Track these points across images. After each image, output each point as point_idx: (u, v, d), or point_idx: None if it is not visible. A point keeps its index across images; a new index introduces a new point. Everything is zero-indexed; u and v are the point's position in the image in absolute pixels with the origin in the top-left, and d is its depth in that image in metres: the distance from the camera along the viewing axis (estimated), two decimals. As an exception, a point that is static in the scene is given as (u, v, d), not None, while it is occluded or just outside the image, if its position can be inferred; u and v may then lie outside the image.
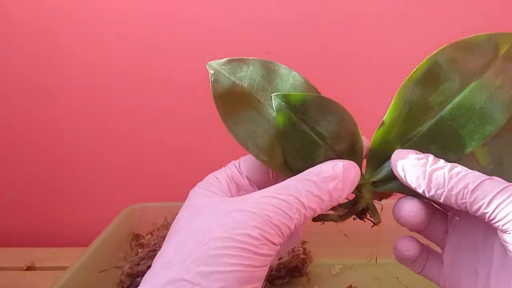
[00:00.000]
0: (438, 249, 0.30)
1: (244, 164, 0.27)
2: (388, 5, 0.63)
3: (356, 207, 0.28)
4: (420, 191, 0.24)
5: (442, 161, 0.24)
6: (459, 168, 0.23)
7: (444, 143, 0.25)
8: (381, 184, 0.27)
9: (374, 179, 0.27)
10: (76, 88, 0.68)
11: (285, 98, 0.25)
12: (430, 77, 0.26)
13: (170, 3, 0.64)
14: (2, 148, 0.72)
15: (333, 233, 0.56)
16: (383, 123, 0.27)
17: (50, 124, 0.71)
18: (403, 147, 0.26)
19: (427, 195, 0.24)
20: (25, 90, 0.69)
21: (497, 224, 0.22)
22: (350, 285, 0.50)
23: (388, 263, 0.53)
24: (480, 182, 0.22)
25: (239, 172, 0.27)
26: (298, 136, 0.25)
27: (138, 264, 0.48)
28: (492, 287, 0.24)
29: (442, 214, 0.28)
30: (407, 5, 0.63)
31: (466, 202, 0.23)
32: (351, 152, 0.27)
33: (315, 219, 0.29)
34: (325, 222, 0.29)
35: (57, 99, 0.69)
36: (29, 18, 0.66)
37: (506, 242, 0.22)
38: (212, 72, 0.27)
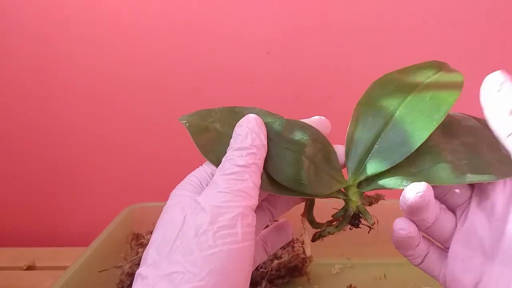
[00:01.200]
0: (439, 245, 0.29)
1: None
2: (388, 6, 0.63)
3: (347, 213, 0.29)
4: (500, 112, 0.24)
5: None
6: None
7: (408, 132, 0.28)
8: (366, 184, 0.29)
9: (358, 180, 0.29)
10: (76, 89, 0.69)
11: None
12: (373, 101, 0.30)
13: (169, 4, 0.64)
14: (2, 149, 0.72)
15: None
16: (349, 135, 0.29)
17: (50, 125, 0.71)
18: (373, 146, 0.29)
19: (501, 120, 0.23)
20: (24, 92, 0.69)
21: None
22: (350, 285, 0.50)
23: (388, 263, 0.53)
24: None
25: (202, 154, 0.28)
26: (277, 158, 0.28)
27: (138, 264, 0.48)
28: (496, 284, 0.24)
29: (450, 213, 0.28)
30: (407, 6, 0.63)
31: None
32: (326, 160, 0.29)
33: (313, 240, 0.31)
34: (323, 239, 0.31)
35: (57, 100, 0.69)
36: (29, 22, 0.66)
37: None
38: (185, 121, 0.29)
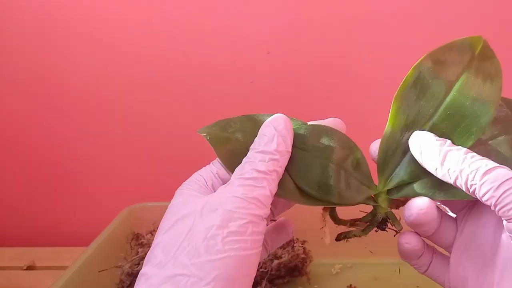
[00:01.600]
0: (443, 251, 0.29)
1: None
2: (388, 6, 0.63)
3: (375, 218, 0.29)
4: (433, 169, 0.25)
5: (459, 146, 0.25)
6: (473, 153, 0.24)
7: (458, 132, 0.27)
8: (396, 191, 0.28)
9: (388, 187, 0.28)
10: (76, 88, 0.69)
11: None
12: (419, 84, 0.27)
13: (169, 4, 0.64)
14: (3, 149, 0.72)
15: (333, 233, 0.57)
16: (386, 132, 0.28)
17: (50, 125, 0.71)
18: (406, 153, 0.27)
19: (439, 174, 0.24)
20: (24, 92, 0.69)
21: (503, 210, 0.22)
22: (350, 285, 0.50)
23: (388, 263, 0.53)
24: (492, 167, 0.23)
25: (224, 167, 0.28)
26: (304, 167, 0.27)
27: (138, 264, 0.48)
28: (498, 283, 0.24)
29: (451, 220, 0.28)
30: (407, 6, 0.63)
31: (476, 184, 0.23)
32: (356, 165, 0.28)
33: (338, 239, 0.30)
34: (348, 239, 0.30)
35: (57, 100, 0.69)
36: (29, 23, 0.66)
37: (511, 232, 0.23)
38: (205, 134, 0.28)
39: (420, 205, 0.25)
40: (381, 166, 0.28)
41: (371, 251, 0.43)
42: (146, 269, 0.23)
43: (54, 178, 0.73)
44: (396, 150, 0.28)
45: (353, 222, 0.30)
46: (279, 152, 0.25)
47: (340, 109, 0.65)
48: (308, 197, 0.27)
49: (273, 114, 0.28)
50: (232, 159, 0.27)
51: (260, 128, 0.27)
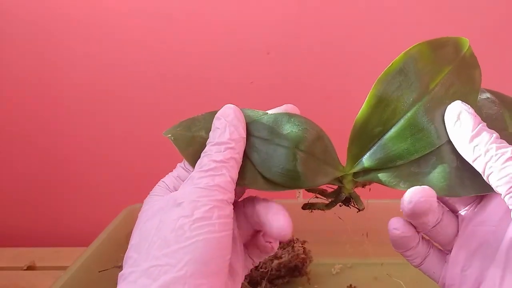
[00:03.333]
0: (440, 248, 0.29)
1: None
2: (388, 6, 0.63)
3: (339, 196, 0.29)
4: (461, 140, 0.25)
5: (493, 131, 0.25)
6: (503, 140, 0.25)
7: (419, 137, 0.27)
8: (362, 175, 0.28)
9: (355, 170, 0.28)
10: (76, 88, 0.69)
11: (247, 130, 0.27)
12: (403, 73, 0.27)
13: (170, 3, 0.64)
14: (2, 149, 0.72)
15: (333, 233, 0.57)
16: (359, 117, 0.28)
17: (50, 125, 0.71)
18: (380, 140, 0.28)
19: (462, 148, 0.25)
20: (25, 91, 0.69)
21: None
22: (350, 285, 0.50)
23: (388, 263, 0.53)
24: None
25: (185, 169, 0.29)
26: (269, 157, 0.27)
27: (138, 264, 0.48)
28: (499, 283, 0.24)
29: (452, 217, 0.28)
30: (407, 6, 0.63)
31: (495, 168, 0.23)
32: (323, 148, 0.28)
33: (304, 207, 0.30)
34: (313, 211, 0.31)
35: (57, 99, 0.69)
36: (29, 19, 0.66)
37: None
38: (170, 135, 0.29)
39: (420, 193, 0.25)
40: (350, 149, 0.28)
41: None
42: (124, 270, 0.24)
43: (54, 178, 0.73)
44: (368, 135, 0.28)
45: (321, 192, 0.30)
46: (233, 140, 0.26)
47: (340, 109, 0.65)
48: (273, 184, 0.27)
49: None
50: (197, 158, 0.27)
51: (212, 123, 0.27)
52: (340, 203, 0.30)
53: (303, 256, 0.51)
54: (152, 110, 0.69)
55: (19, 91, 0.69)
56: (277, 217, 0.26)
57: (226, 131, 0.26)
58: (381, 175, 0.27)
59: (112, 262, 0.48)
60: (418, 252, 0.28)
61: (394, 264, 0.53)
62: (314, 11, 0.64)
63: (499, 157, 0.23)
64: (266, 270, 0.48)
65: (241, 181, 0.26)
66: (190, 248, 0.22)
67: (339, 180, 0.29)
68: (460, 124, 0.25)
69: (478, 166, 0.24)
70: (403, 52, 0.28)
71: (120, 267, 0.49)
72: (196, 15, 0.65)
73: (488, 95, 0.29)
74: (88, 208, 0.74)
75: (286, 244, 0.52)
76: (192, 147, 0.28)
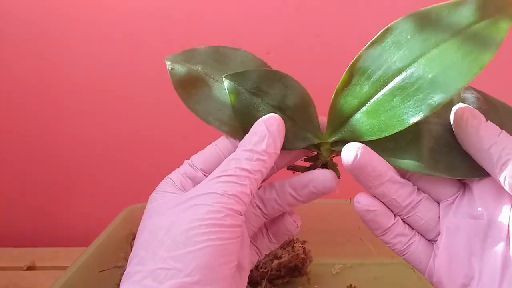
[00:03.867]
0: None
1: (196, 158, 0.29)
2: (389, 7, 0.63)
3: (316, 163, 0.30)
4: (487, 144, 0.24)
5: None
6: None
7: (409, 104, 0.25)
8: (339, 144, 0.28)
9: (332, 139, 0.29)
10: (76, 88, 0.69)
11: (234, 77, 0.27)
12: (389, 42, 0.26)
13: (170, 3, 0.64)
14: (2, 149, 0.72)
15: (333, 233, 0.57)
16: (340, 86, 0.28)
17: (50, 125, 0.71)
18: (356, 114, 0.27)
19: (490, 152, 0.24)
20: (25, 91, 0.69)
21: None
22: (350, 285, 0.50)
23: (388, 263, 0.53)
24: None
25: (192, 167, 0.28)
26: (253, 110, 0.27)
27: (138, 264, 0.48)
28: (486, 284, 0.24)
29: (432, 203, 0.27)
30: (408, 6, 0.63)
31: (508, 156, 0.23)
32: (304, 113, 0.28)
33: (287, 168, 0.31)
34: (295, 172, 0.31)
35: (57, 99, 0.69)
36: (29, 18, 0.66)
37: None
38: (169, 63, 0.30)
39: (352, 145, 0.25)
40: (331, 118, 0.29)
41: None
42: (129, 269, 0.23)
43: (54, 178, 0.73)
44: (348, 106, 0.28)
45: (297, 168, 0.31)
46: (267, 153, 0.26)
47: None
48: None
49: (240, 49, 0.29)
50: (187, 88, 0.28)
51: (253, 125, 0.27)
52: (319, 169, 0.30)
53: (303, 256, 0.51)
54: (152, 110, 0.69)
55: (19, 91, 0.69)
56: (323, 172, 0.27)
57: (264, 141, 0.25)
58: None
59: (112, 262, 0.48)
60: (398, 236, 0.27)
61: (394, 264, 0.53)
62: (314, 11, 0.64)
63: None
64: (266, 270, 0.48)
65: (227, 128, 0.28)
66: (198, 254, 0.22)
67: (317, 147, 0.29)
68: (484, 127, 0.24)
69: (491, 156, 0.23)
70: (396, 20, 0.27)
71: (120, 267, 0.49)
72: (196, 15, 0.65)
73: (472, 91, 0.28)
74: (88, 208, 0.74)
75: (286, 244, 0.52)
76: (186, 80, 0.29)
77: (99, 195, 0.74)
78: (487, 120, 0.25)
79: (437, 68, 0.24)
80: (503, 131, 0.24)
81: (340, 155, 0.27)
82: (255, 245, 0.30)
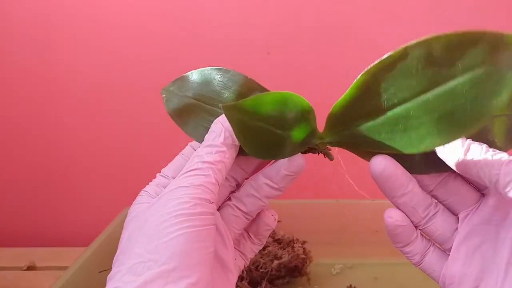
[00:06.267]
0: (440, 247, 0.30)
1: (167, 168, 0.30)
2: (389, 6, 0.63)
3: (313, 151, 0.30)
4: (455, 160, 0.25)
5: (480, 142, 0.25)
6: (493, 149, 0.25)
7: (405, 139, 0.26)
8: (336, 145, 0.29)
9: (331, 140, 0.29)
10: (76, 89, 0.69)
11: (234, 108, 0.26)
12: (400, 69, 0.25)
13: (169, 4, 0.64)
14: (3, 149, 0.72)
15: (333, 233, 0.57)
16: (346, 97, 0.28)
17: (50, 126, 0.71)
18: (358, 126, 0.28)
19: (460, 165, 0.25)
20: (25, 91, 0.69)
21: None
22: (350, 285, 0.50)
23: (388, 263, 0.53)
24: None
25: (164, 177, 0.29)
26: (257, 133, 0.27)
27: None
28: (493, 281, 0.24)
29: (449, 215, 0.29)
30: (409, 7, 0.63)
31: (499, 173, 0.23)
32: (301, 122, 0.29)
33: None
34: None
35: (57, 100, 0.69)
36: (28, 27, 0.66)
37: None
38: (164, 95, 0.31)
39: (381, 157, 0.27)
40: (331, 120, 0.29)
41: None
42: (111, 273, 0.24)
43: (54, 178, 0.73)
44: (351, 116, 0.28)
45: None
46: (226, 145, 0.27)
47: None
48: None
49: (219, 67, 0.30)
50: (183, 116, 0.30)
51: (211, 126, 0.28)
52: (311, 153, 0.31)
53: (303, 256, 0.51)
54: (152, 111, 0.69)
55: (19, 92, 0.69)
56: (294, 157, 0.28)
57: (221, 135, 0.27)
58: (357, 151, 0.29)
59: (112, 262, 0.48)
60: (416, 249, 0.28)
61: (394, 264, 0.53)
62: (314, 11, 0.64)
63: (498, 164, 0.23)
64: (266, 270, 0.48)
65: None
66: (172, 242, 0.22)
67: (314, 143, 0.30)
68: (449, 145, 0.25)
69: (479, 178, 0.24)
70: (405, 46, 0.24)
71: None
72: (196, 15, 0.65)
73: None
74: (88, 208, 0.74)
75: (286, 244, 0.52)
76: (179, 108, 0.30)
77: (99, 195, 0.74)
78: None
79: (442, 109, 0.24)
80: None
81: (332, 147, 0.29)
82: (238, 250, 0.30)
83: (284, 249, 0.51)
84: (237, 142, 0.27)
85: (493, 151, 0.24)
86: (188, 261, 0.22)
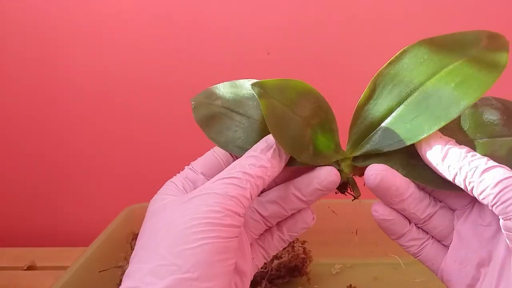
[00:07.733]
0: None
1: (197, 163, 0.29)
2: (389, 5, 0.63)
3: (341, 189, 0.30)
4: (434, 164, 0.25)
5: (462, 145, 0.26)
6: (474, 152, 0.25)
7: (429, 114, 0.27)
8: (362, 160, 0.29)
9: (355, 154, 0.29)
10: (75, 89, 0.69)
11: (261, 84, 0.27)
12: (407, 62, 0.29)
13: (169, 4, 0.64)
14: (3, 150, 0.72)
15: (333, 233, 0.57)
16: (361, 102, 0.29)
17: (50, 126, 0.71)
18: (377, 128, 0.28)
19: (440, 170, 0.25)
20: (25, 93, 0.69)
21: (500, 208, 0.23)
22: (350, 285, 0.50)
23: (388, 263, 0.53)
24: (491, 166, 0.23)
25: (193, 171, 0.29)
26: (285, 121, 0.27)
27: (138, 264, 0.48)
28: (496, 284, 0.24)
29: (448, 213, 0.29)
30: (408, 7, 0.63)
31: (474, 182, 0.23)
32: (328, 129, 0.29)
33: None
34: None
35: (57, 100, 0.69)
36: (30, 23, 0.66)
37: (507, 230, 0.23)
38: (193, 103, 0.31)
39: (376, 168, 0.26)
40: (351, 133, 0.29)
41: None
42: (129, 268, 0.24)
43: (54, 178, 0.73)
44: (369, 122, 0.29)
45: None
46: (271, 162, 0.26)
47: (341, 109, 0.65)
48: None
49: (250, 79, 0.30)
50: (210, 123, 0.30)
51: (267, 136, 0.27)
52: (336, 191, 0.30)
53: (303, 256, 0.51)
54: (152, 110, 0.69)
55: (19, 92, 0.69)
56: (326, 168, 0.27)
57: (271, 150, 0.26)
58: (381, 160, 0.28)
59: (112, 262, 0.48)
60: (412, 240, 0.29)
61: (394, 264, 0.53)
62: (314, 11, 0.64)
63: (474, 172, 0.23)
64: (266, 270, 0.48)
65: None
66: (196, 250, 0.22)
67: (338, 163, 0.29)
68: (430, 148, 0.26)
69: (458, 184, 0.25)
70: (404, 48, 0.29)
71: (120, 267, 0.49)
72: (196, 15, 0.65)
73: (492, 101, 0.29)
74: (88, 208, 0.74)
75: (286, 244, 0.52)
76: (207, 115, 0.30)
77: (100, 195, 0.74)
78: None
79: (458, 78, 0.26)
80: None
81: (361, 172, 0.28)
82: (261, 246, 0.30)
83: (284, 248, 0.51)
84: (283, 163, 0.27)
85: (472, 155, 0.24)
86: (210, 271, 0.22)
